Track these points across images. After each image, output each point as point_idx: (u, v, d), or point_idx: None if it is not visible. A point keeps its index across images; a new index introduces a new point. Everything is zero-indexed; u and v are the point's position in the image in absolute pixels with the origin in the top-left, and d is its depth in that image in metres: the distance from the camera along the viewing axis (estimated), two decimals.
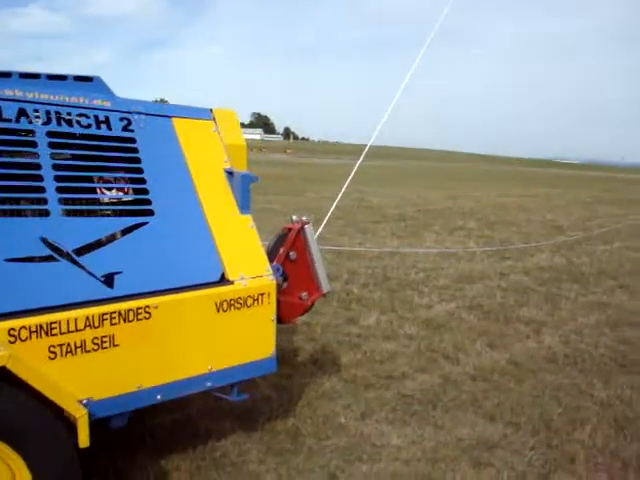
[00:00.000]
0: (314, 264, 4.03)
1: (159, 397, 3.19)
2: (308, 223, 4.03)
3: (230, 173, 3.70)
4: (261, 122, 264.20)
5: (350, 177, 6.50)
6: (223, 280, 3.40)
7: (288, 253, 3.93)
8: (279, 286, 3.87)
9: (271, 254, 3.93)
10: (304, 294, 4.00)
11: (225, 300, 3.36)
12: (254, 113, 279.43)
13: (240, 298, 3.41)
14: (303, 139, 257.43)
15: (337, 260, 10.06)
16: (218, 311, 3.34)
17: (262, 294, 3.51)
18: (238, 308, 3.42)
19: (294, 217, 4.05)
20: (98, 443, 3.56)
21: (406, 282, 8.69)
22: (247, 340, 3.51)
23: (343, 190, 7.05)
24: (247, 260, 3.53)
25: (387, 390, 4.89)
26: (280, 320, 3.92)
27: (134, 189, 3.40)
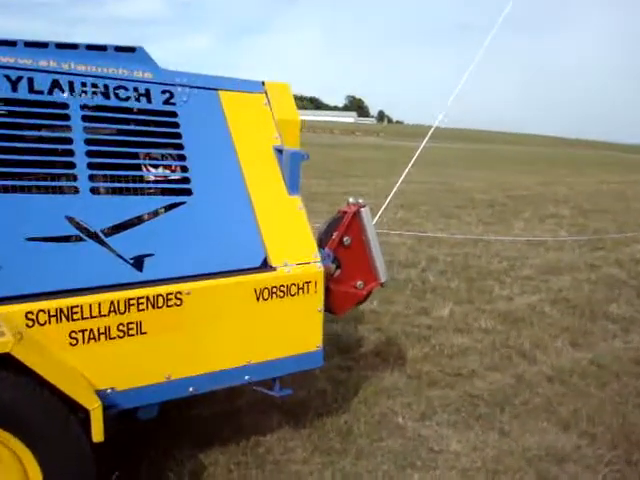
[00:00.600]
0: (371, 251, 3.72)
1: (191, 389, 2.98)
2: (365, 206, 3.72)
3: (279, 151, 3.43)
4: (355, 105, 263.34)
5: (412, 161, 6.09)
6: (265, 266, 3.14)
7: (342, 238, 3.63)
8: (331, 274, 3.59)
9: (322, 239, 3.64)
10: (359, 283, 3.69)
11: (266, 288, 3.10)
12: (348, 96, 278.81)
13: (283, 286, 3.15)
14: (397, 122, 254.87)
15: (417, 246, 9.67)
16: (258, 299, 3.08)
17: (308, 282, 3.23)
18: (281, 297, 3.15)
19: (350, 199, 3.75)
20: (132, 432, 3.44)
21: (487, 271, 8.23)
22: (290, 332, 3.25)
23: (403, 176, 6.65)
24: (293, 245, 3.26)
25: (453, 389, 4.53)
26: (332, 311, 3.65)
27: (172, 167, 3.18)
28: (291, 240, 3.26)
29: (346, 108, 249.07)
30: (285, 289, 3.16)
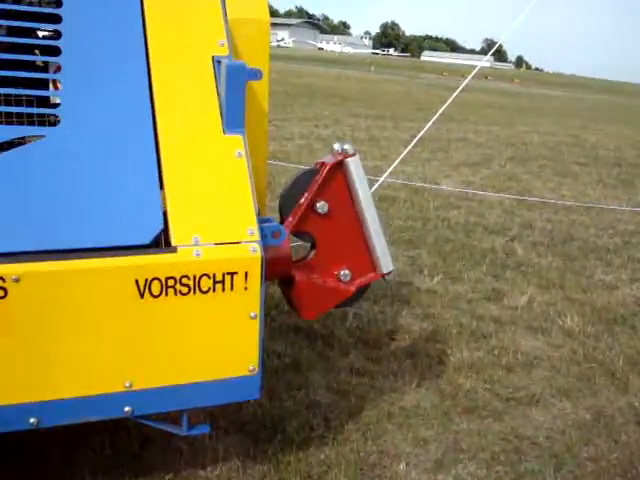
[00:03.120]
0: (363, 223, 2.48)
1: (32, 421, 1.91)
2: (354, 154, 2.46)
3: (218, 62, 2.22)
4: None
5: (444, 107, 4.61)
6: (158, 244, 1.99)
7: (314, 203, 2.40)
8: (296, 257, 2.39)
9: (285, 205, 2.43)
10: (344, 272, 2.46)
11: (156, 279, 1.94)
12: (486, 39, 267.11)
13: (187, 277, 1.98)
14: (537, 69, 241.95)
15: (515, 209, 8.15)
16: (142, 295, 1.93)
17: (233, 274, 2.04)
18: (183, 294, 1.99)
19: (335, 146, 2.49)
20: None
21: (593, 247, 6.66)
22: (202, 347, 2.09)
23: (430, 124, 5.21)
24: (215, 213, 2.06)
25: (496, 422, 3.24)
26: (298, 311, 2.46)
27: (29, 80, 2.05)
28: (214, 205, 2.07)
29: (483, 51, 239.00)
30: (191, 282, 1.99)
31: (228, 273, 2.02)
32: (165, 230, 1.99)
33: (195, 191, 2.05)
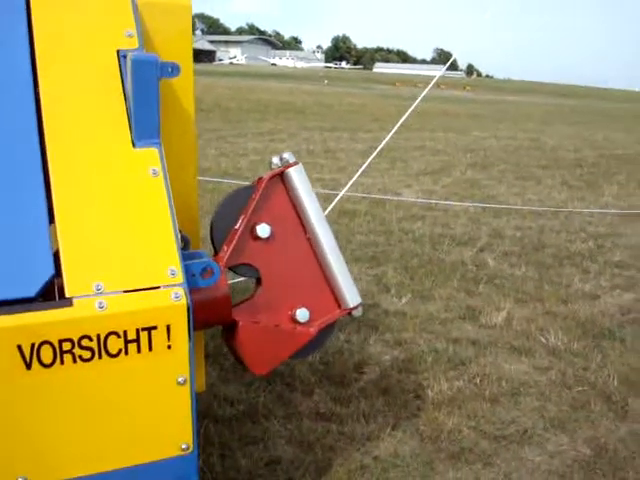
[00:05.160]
0: (317, 248, 2.03)
1: None
2: (297, 164, 2.01)
3: (125, 57, 1.76)
4: (444, 58, 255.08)
5: (405, 117, 4.23)
6: (47, 296, 1.50)
7: (253, 227, 1.94)
8: (234, 295, 1.92)
9: (217, 232, 1.97)
10: (300, 311, 1.99)
11: (47, 342, 1.46)
12: (436, 49, 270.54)
13: (89, 338, 1.50)
14: (487, 76, 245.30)
15: (480, 216, 7.79)
16: (29, 365, 1.46)
17: (150, 329, 1.56)
18: (86, 359, 1.51)
19: (274, 159, 2.03)
20: None
21: (567, 253, 6.30)
22: (117, 426, 1.60)
23: (391, 134, 4.82)
24: (124, 252, 1.59)
25: (486, 467, 2.80)
26: (246, 364, 1.98)
27: None
28: (121, 241, 1.59)
29: (434, 61, 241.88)
30: (94, 344, 1.51)
31: (144, 329, 1.55)
32: (57, 277, 1.51)
33: (96, 224, 1.58)
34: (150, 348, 1.56)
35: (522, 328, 4.36)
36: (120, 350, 1.53)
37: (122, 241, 1.58)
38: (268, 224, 1.94)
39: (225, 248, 1.91)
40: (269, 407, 3.16)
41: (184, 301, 1.58)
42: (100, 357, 1.51)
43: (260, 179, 2.01)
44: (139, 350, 1.55)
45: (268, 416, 3.08)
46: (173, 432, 1.66)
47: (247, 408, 3.15)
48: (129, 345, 1.54)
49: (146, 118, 1.67)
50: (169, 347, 1.58)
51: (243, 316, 1.89)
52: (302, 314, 1.99)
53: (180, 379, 1.62)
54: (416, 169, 11.35)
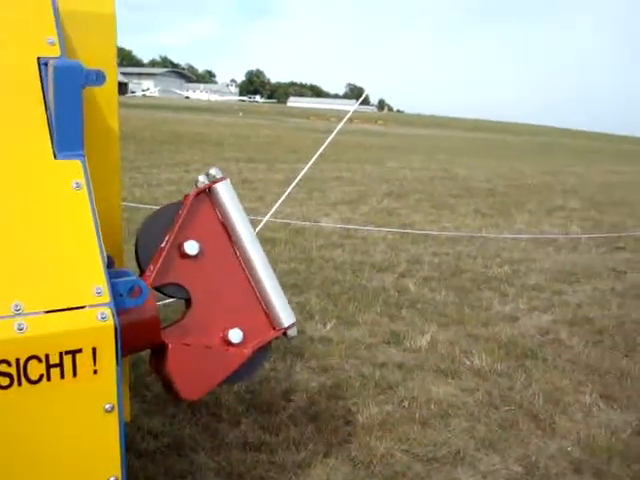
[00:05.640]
0: (248, 265, 1.95)
1: None
2: (224, 179, 1.94)
3: (46, 65, 1.65)
4: (356, 93, 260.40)
5: (323, 146, 4.26)
6: None
7: (180, 244, 1.85)
8: (161, 323, 1.81)
9: (143, 251, 1.86)
10: (233, 332, 1.89)
11: None
12: (349, 84, 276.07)
13: (6, 362, 1.37)
14: (398, 111, 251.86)
15: (398, 244, 7.87)
16: None
17: (75, 353, 1.44)
18: (3, 387, 1.37)
19: (200, 178, 1.95)
20: None
21: (484, 278, 6.43)
22: (37, 461, 1.47)
23: (310, 163, 4.85)
24: (45, 269, 1.46)
25: None
26: (176, 392, 1.86)
27: None
28: (42, 258, 1.47)
29: (346, 96, 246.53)
30: (13, 370, 1.37)
31: (68, 352, 1.43)
32: None
33: (14, 239, 1.45)
34: (74, 373, 1.44)
35: (446, 351, 4.38)
36: (42, 376, 1.40)
37: (43, 258, 1.46)
38: (196, 241, 1.85)
39: (151, 267, 1.81)
40: (195, 438, 3.03)
41: (111, 322, 1.46)
42: (20, 384, 1.38)
43: (187, 196, 1.92)
44: (62, 376, 1.42)
45: (195, 448, 2.94)
46: (100, 465, 1.53)
47: (172, 441, 3.00)
48: (51, 370, 1.41)
49: (69, 128, 1.57)
50: (95, 372, 1.46)
51: (173, 339, 1.79)
52: (235, 335, 1.89)
53: (107, 406, 1.50)
54: (333, 199, 11.41)
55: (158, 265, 1.80)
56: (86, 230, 1.52)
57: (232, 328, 1.89)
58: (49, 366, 1.41)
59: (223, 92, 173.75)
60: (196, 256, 1.85)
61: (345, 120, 6.44)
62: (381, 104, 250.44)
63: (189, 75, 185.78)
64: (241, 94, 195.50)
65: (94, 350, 1.45)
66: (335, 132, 6.12)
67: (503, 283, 6.26)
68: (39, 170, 1.54)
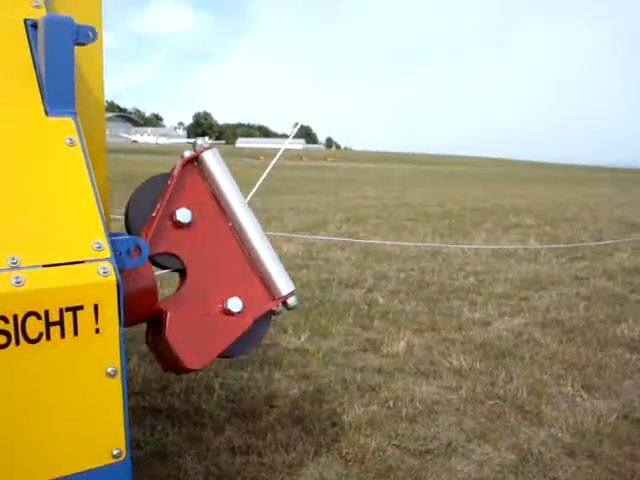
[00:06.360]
0: (241, 233, 1.89)
1: None
2: (211, 148, 1.89)
3: (34, 26, 1.59)
4: (303, 132, 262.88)
5: (262, 177, 4.28)
6: None
7: (172, 212, 1.78)
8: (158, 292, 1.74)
9: (134, 219, 1.79)
10: (232, 301, 1.82)
11: None
12: (296, 123, 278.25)
13: (4, 319, 1.27)
14: (345, 148, 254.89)
15: (362, 263, 7.85)
16: None
17: (76, 309, 1.36)
18: (1, 346, 1.28)
19: (186, 153, 1.89)
20: None
21: (452, 289, 6.44)
22: (34, 429, 1.36)
23: (254, 191, 4.72)
24: (43, 222, 1.38)
25: None
26: (174, 364, 1.77)
27: None
28: (39, 211, 1.39)
29: (294, 136, 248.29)
30: (10, 327, 1.28)
31: (68, 309, 1.34)
32: None
33: (10, 195, 1.37)
34: (76, 332, 1.35)
35: (424, 354, 4.34)
36: (41, 334, 1.31)
37: (39, 213, 1.38)
38: (188, 209, 1.78)
39: (143, 237, 1.73)
40: (180, 446, 2.90)
41: (113, 277, 1.39)
42: (17, 343, 1.29)
43: (175, 166, 1.86)
44: (63, 334, 1.34)
45: (180, 454, 2.82)
46: (102, 435, 1.44)
47: (155, 449, 2.87)
48: (51, 328, 1.32)
49: (60, 85, 1.50)
50: (97, 331, 1.38)
51: (171, 307, 1.70)
52: (234, 303, 1.81)
53: (110, 370, 1.41)
54: (292, 226, 11.37)
55: (150, 234, 1.73)
56: (82, 185, 1.44)
57: (231, 298, 1.81)
58: (49, 324, 1.32)
59: (171, 135, 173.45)
60: (189, 225, 1.79)
61: (281, 151, 6.42)
62: (329, 142, 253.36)
63: (136, 119, 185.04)
64: (189, 136, 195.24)
65: (96, 307, 1.37)
66: (275, 160, 6.12)
67: (470, 293, 6.28)
68: (32, 129, 1.47)
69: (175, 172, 1.83)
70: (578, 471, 2.81)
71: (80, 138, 1.50)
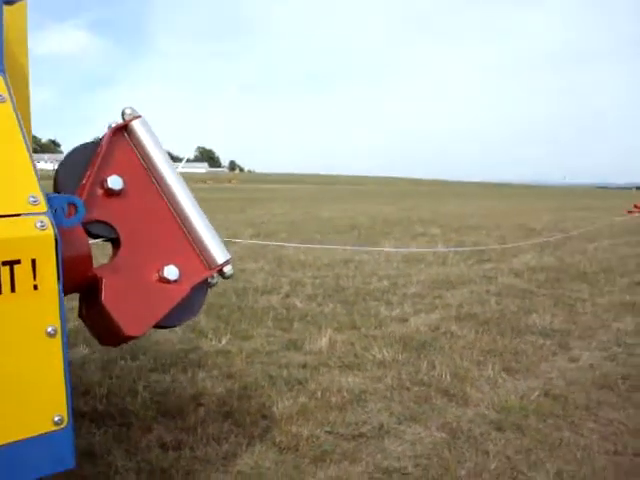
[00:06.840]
0: (173, 202, 1.85)
1: None
2: (140, 117, 1.85)
3: None
4: (206, 156, 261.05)
5: None
6: None
7: (103, 179, 1.72)
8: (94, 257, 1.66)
9: (67, 184, 1.72)
10: (168, 269, 1.76)
11: None
12: (199, 147, 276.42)
13: None
14: (249, 171, 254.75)
15: (277, 271, 7.83)
16: None
17: (12, 264, 1.29)
18: None
19: (112, 123, 1.84)
20: None
21: (366, 292, 6.52)
22: None
23: None
24: None
25: (354, 463, 2.69)
26: (112, 334, 1.69)
27: None
28: None
29: (197, 159, 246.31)
30: None
31: (5, 263, 1.27)
32: None
33: None
34: (13, 288, 1.28)
35: (347, 349, 4.36)
36: None
37: None
38: (119, 175, 1.72)
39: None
40: (107, 446, 2.79)
41: (51, 231, 1.32)
42: None
43: (104, 135, 1.80)
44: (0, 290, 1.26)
45: (109, 452, 2.71)
46: (42, 400, 1.36)
47: (81, 450, 2.73)
48: None
49: None
50: (35, 287, 1.31)
51: (107, 274, 1.64)
52: (170, 271, 1.76)
53: (49, 329, 1.34)
54: None
55: (83, 199, 1.66)
56: (14, 140, 1.38)
57: (167, 265, 1.76)
58: None
59: None
60: (120, 192, 1.73)
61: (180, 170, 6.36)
62: (232, 165, 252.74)
63: (32, 145, 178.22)
64: None
65: (33, 262, 1.30)
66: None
67: (385, 294, 6.38)
68: None
69: (104, 140, 1.77)
70: (508, 443, 2.88)
71: (10, 94, 1.44)
